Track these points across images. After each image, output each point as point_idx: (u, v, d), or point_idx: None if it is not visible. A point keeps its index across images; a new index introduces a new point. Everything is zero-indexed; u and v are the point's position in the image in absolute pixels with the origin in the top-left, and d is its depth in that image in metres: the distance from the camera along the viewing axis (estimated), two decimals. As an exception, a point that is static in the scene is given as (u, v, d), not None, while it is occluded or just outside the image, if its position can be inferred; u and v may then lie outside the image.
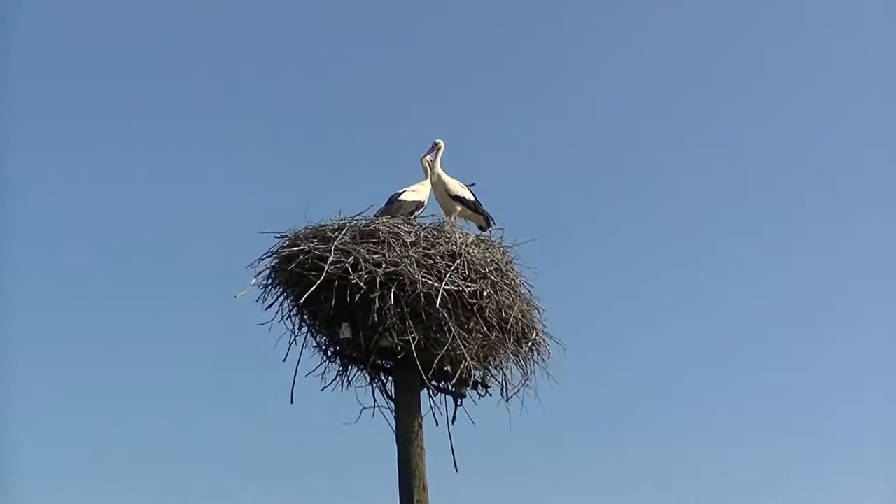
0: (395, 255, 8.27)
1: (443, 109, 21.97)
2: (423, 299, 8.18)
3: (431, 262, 8.34)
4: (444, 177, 9.62)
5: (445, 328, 8.23)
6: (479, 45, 23.17)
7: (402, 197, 9.34)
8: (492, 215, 9.68)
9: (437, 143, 9.73)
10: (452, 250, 8.48)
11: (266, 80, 22.85)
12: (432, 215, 9.28)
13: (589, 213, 21.91)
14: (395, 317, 8.16)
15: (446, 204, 9.57)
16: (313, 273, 8.25)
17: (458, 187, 9.60)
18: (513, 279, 8.79)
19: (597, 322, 18.86)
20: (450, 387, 8.67)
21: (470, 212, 9.62)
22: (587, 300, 18.77)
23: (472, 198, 9.63)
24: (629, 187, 22.22)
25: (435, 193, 9.60)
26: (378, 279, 8.15)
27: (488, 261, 8.62)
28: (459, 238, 8.67)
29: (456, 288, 8.29)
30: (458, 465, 8.52)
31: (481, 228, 9.66)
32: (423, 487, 8.20)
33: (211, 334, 17.13)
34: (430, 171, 9.66)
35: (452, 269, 8.34)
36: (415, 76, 23.33)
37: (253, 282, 8.43)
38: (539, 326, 8.91)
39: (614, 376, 18.38)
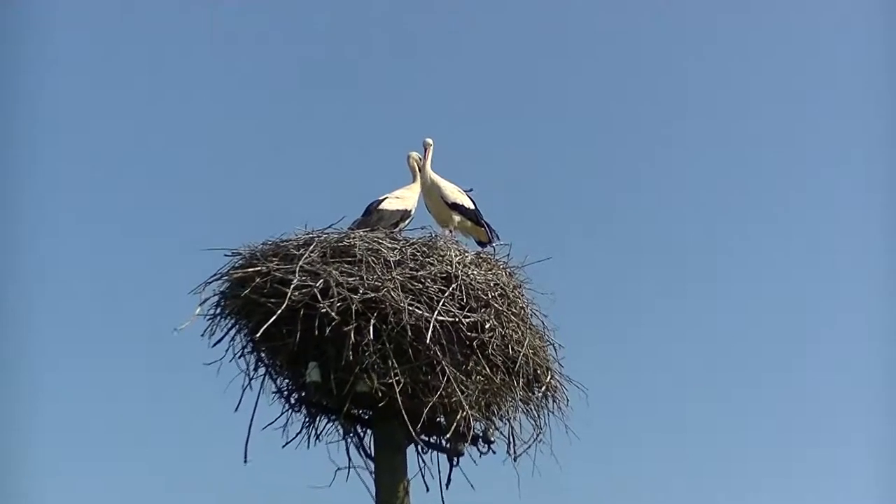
0: (374, 277, 7.64)
1: (431, 105, 20.94)
2: (409, 333, 7.55)
3: (420, 286, 7.73)
4: (438, 180, 9.00)
5: (438, 369, 7.62)
6: (473, 40, 21.95)
7: (384, 205, 8.77)
8: (495, 229, 9.14)
9: (426, 142, 9.14)
10: (447, 272, 7.85)
11: (223, 67, 21.65)
12: (422, 228, 8.63)
13: (615, 225, 20.30)
14: (376, 355, 7.53)
15: (441, 214, 8.98)
16: (273, 300, 7.62)
17: (455, 193, 9.01)
18: (522, 308, 8.18)
19: (626, 363, 17.29)
20: (443, 442, 8.11)
21: (470, 223, 9.03)
22: (614, 335, 17.44)
23: (473, 206, 9.07)
24: (657, 197, 20.79)
25: (427, 201, 9.05)
26: (354, 307, 7.50)
27: (491, 285, 8.01)
28: (456, 256, 8.01)
29: (451, 319, 7.66)
30: (453, 539, 8.06)
31: (481, 244, 9.08)
32: (410, 568, 7.89)
33: (145, 379, 15.83)
34: (419, 174, 9.06)
35: (447, 294, 7.72)
36: (400, 69, 22.49)
37: (197, 311, 7.82)
38: (555, 367, 8.30)
39: (648, 429, 16.79)
